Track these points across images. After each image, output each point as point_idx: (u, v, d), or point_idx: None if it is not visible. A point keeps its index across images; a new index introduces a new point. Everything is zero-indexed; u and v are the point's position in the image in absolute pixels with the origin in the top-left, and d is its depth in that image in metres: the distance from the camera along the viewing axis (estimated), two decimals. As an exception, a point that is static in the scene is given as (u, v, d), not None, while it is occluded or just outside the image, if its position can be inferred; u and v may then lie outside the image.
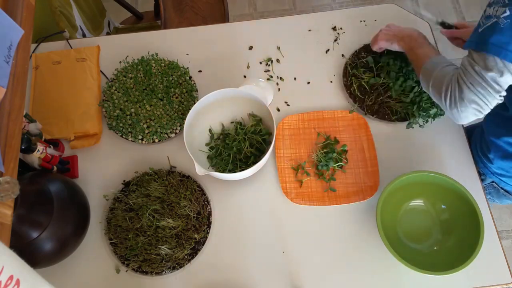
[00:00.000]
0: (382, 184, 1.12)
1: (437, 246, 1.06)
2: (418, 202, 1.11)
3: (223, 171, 1.11)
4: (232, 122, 1.18)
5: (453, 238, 1.05)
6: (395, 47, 1.15)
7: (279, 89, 1.28)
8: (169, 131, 1.18)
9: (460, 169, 1.15)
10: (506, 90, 0.88)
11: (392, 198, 1.06)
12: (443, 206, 1.09)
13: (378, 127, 1.21)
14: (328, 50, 1.32)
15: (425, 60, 1.03)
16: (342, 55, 1.31)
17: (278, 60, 1.32)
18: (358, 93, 1.22)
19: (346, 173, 1.15)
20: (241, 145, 1.12)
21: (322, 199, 1.12)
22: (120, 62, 1.30)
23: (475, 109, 0.90)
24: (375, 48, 1.20)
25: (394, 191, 1.05)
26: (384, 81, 1.21)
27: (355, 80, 1.23)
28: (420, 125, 1.18)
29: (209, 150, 1.16)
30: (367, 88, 1.22)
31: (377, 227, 1.00)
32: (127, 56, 1.31)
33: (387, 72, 1.22)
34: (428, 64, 1.01)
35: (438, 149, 1.18)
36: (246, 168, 1.04)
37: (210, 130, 1.18)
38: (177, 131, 1.19)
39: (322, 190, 1.14)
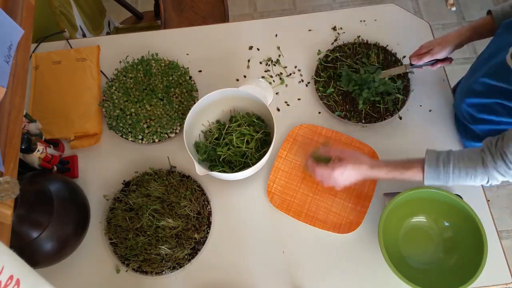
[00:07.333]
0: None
1: (438, 264, 1.05)
2: (420, 219, 1.10)
3: (223, 171, 1.10)
4: (231, 118, 1.18)
5: (455, 257, 1.03)
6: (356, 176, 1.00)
7: (278, 90, 1.28)
8: (169, 131, 1.18)
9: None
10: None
11: (394, 214, 1.05)
12: (446, 224, 1.07)
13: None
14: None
15: (417, 168, 0.94)
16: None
17: (278, 60, 1.32)
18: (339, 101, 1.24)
19: (334, 201, 1.13)
20: (241, 144, 1.12)
21: (300, 213, 1.11)
22: (120, 62, 1.30)
23: None
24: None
25: (397, 207, 1.04)
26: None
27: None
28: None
29: (209, 148, 1.16)
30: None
31: (378, 242, 0.99)
32: (127, 56, 1.31)
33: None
34: (430, 168, 0.93)
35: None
36: (246, 168, 1.04)
37: (210, 130, 1.17)
38: (177, 131, 1.19)
39: (304, 205, 1.12)
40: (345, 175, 0.99)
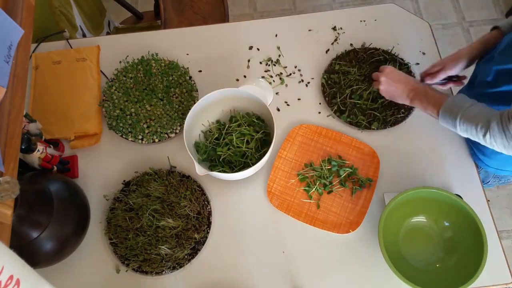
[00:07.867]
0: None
1: (439, 264, 1.05)
2: (420, 219, 1.10)
3: (223, 171, 1.10)
4: (231, 118, 1.18)
5: (455, 257, 1.03)
6: (398, 101, 1.11)
7: (278, 90, 1.28)
8: (169, 131, 1.18)
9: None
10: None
11: (394, 214, 1.04)
12: (446, 224, 1.07)
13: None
14: (328, 50, 1.32)
15: (442, 100, 0.98)
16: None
17: (278, 60, 1.32)
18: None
19: (334, 201, 1.13)
20: (241, 144, 1.12)
21: (300, 213, 1.11)
22: (120, 62, 1.30)
23: None
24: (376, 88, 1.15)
25: (397, 207, 1.04)
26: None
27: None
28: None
29: (209, 148, 1.16)
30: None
31: (378, 242, 0.99)
32: (127, 56, 1.31)
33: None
34: (448, 105, 0.96)
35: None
36: (246, 168, 1.04)
37: (210, 130, 1.17)
38: (177, 131, 1.19)
39: (304, 205, 1.12)
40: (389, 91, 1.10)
